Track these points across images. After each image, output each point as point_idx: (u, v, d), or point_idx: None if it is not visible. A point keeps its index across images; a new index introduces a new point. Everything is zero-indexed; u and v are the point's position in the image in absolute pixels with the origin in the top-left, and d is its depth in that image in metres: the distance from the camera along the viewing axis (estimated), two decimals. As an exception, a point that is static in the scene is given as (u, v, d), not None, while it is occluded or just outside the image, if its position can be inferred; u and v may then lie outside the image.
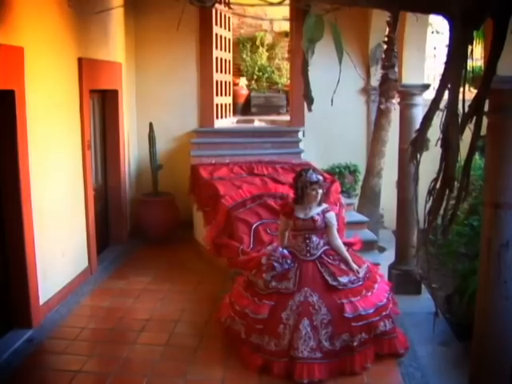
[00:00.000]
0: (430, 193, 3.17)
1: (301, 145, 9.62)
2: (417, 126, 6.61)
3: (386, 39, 8.73)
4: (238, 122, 11.78)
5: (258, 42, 14.10)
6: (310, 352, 5.00)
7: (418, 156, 3.20)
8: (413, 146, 3.19)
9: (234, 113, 12.25)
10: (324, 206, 5.64)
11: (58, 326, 6.15)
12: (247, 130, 10.60)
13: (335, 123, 9.95)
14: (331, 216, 5.59)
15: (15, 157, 5.75)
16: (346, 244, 5.93)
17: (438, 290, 7.32)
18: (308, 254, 5.46)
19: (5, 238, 5.88)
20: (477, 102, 2.97)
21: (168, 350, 5.56)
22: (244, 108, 13.51)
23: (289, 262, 5.41)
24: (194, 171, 8.73)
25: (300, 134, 9.84)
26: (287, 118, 11.05)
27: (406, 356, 5.51)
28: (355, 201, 9.00)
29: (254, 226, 6.89)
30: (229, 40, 11.38)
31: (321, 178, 5.58)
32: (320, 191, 5.52)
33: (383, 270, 7.23)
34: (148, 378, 5.06)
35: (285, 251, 5.48)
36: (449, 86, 2.93)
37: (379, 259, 7.19)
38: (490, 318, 3.87)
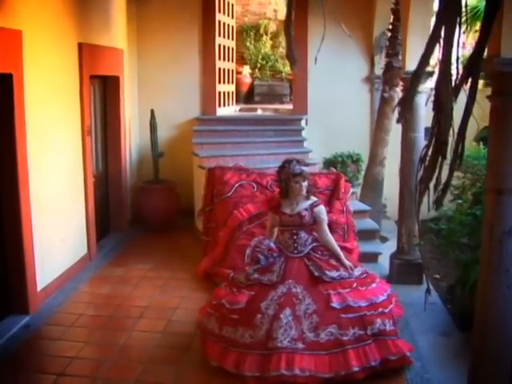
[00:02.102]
0: (421, 160, 3.03)
1: (303, 133, 9.54)
2: (420, 113, 6.62)
3: (390, 27, 8.65)
4: (240, 110, 11.70)
5: (261, 30, 13.98)
6: (291, 342, 4.59)
7: (407, 117, 3.07)
8: (401, 106, 3.08)
9: (237, 101, 12.17)
10: (312, 199, 5.32)
11: (55, 312, 6.11)
12: (250, 117, 10.52)
13: (338, 112, 9.88)
14: (320, 210, 5.26)
15: (13, 141, 5.70)
16: (341, 247, 5.64)
17: (440, 281, 7.26)
18: (295, 251, 5.16)
19: (2, 223, 5.84)
20: (472, 63, 2.82)
21: (165, 337, 5.52)
22: (247, 96, 13.43)
23: (275, 255, 5.12)
24: (214, 180, 7.66)
25: (303, 123, 9.76)
26: (290, 106, 10.96)
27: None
28: (358, 190, 8.92)
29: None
30: (232, 27, 11.30)
31: (305, 169, 5.25)
32: (304, 184, 5.17)
33: (385, 260, 7.20)
34: (144, 365, 5.02)
35: (271, 244, 5.20)
36: (441, 42, 2.77)
37: (381, 249, 7.13)
38: (491, 306, 3.79)
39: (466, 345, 5.28)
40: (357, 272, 5.18)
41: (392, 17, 8.53)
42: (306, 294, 4.86)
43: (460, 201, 7.10)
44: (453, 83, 2.79)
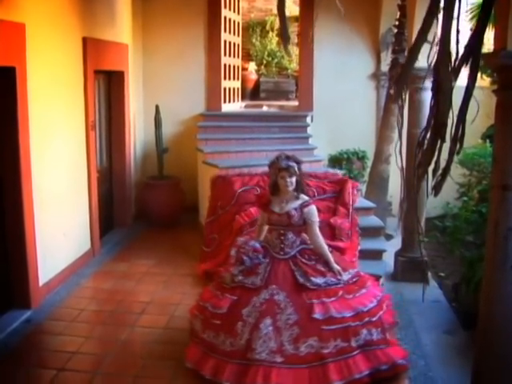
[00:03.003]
0: (419, 144, 2.94)
1: (309, 130, 9.49)
2: (426, 110, 6.56)
3: (396, 23, 8.59)
4: (246, 106, 11.65)
5: (267, 27, 13.96)
6: (269, 354, 4.37)
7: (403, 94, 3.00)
8: (397, 84, 3.02)
9: (243, 97, 12.14)
10: (303, 199, 5.00)
11: (57, 307, 6.09)
12: (255, 114, 10.47)
13: (344, 109, 9.85)
14: (310, 211, 4.96)
15: (15, 135, 5.68)
16: (333, 247, 5.53)
17: (444, 279, 7.22)
18: (282, 252, 4.90)
19: (4, 217, 5.82)
20: (473, 42, 2.73)
21: (167, 332, 5.49)
22: (253, 93, 13.41)
23: (260, 256, 4.87)
24: (218, 191, 7.54)
25: (308, 119, 9.71)
26: (296, 103, 10.92)
27: (410, 344, 5.42)
28: (363, 187, 8.87)
29: None
30: (238, 23, 11.25)
31: (292, 164, 4.89)
32: (290, 180, 4.86)
33: (389, 257, 7.15)
34: (145, 361, 5.00)
35: (257, 245, 4.94)
36: (440, 18, 2.67)
37: (386, 246, 7.08)
38: (496, 304, 3.74)
39: (470, 343, 5.24)
40: (346, 276, 4.90)
41: (398, 13, 8.47)
42: (289, 302, 4.62)
43: (466, 198, 7.05)
44: (452, 63, 2.71)
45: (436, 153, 2.86)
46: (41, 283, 6.16)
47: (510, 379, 3.81)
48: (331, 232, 6.46)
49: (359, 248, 6.61)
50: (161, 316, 5.87)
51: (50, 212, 6.39)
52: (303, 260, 4.89)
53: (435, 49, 2.90)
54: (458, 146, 2.81)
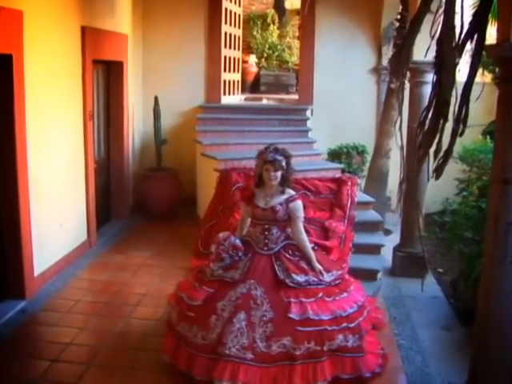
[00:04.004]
0: (420, 124, 2.82)
1: (308, 123, 9.43)
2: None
3: (398, 17, 8.52)
4: (246, 99, 11.61)
5: (269, 20, 13.91)
6: (240, 350, 4.27)
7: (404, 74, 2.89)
8: (395, 60, 2.92)
9: (243, 90, 12.09)
10: (289, 193, 4.82)
11: (52, 297, 6.06)
12: (254, 106, 10.42)
13: (344, 103, 9.80)
14: (296, 206, 4.78)
15: (12, 124, 5.63)
16: (319, 246, 5.38)
17: (443, 275, 7.17)
18: (265, 248, 4.77)
19: (-1, 207, 5.77)
20: (478, 17, 2.62)
21: (162, 324, 5.39)
22: (253, 86, 13.36)
23: (240, 254, 4.74)
24: (221, 195, 6.89)
25: (308, 113, 9.65)
26: (296, 97, 10.87)
27: (407, 339, 5.39)
28: (362, 182, 8.81)
29: None
30: (239, 16, 11.20)
31: (279, 158, 4.69)
32: (275, 174, 4.68)
33: (388, 252, 7.10)
34: (139, 353, 4.98)
35: (237, 241, 4.80)
36: None
37: (384, 241, 7.03)
38: (494, 299, 3.69)
39: (468, 339, 5.20)
40: (328, 277, 4.76)
41: (400, 7, 8.40)
42: (266, 298, 4.49)
43: (465, 193, 7.01)
44: (456, 39, 2.60)
45: (438, 133, 2.75)
46: (36, 274, 6.12)
47: (508, 375, 3.77)
48: (324, 234, 6.20)
49: (351, 253, 6.03)
50: (156, 308, 5.83)
51: (46, 202, 6.34)
52: (287, 255, 4.76)
53: (439, 20, 2.76)
54: (461, 126, 2.70)
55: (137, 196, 9.36)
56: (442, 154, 2.88)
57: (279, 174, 4.72)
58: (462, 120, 2.68)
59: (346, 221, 6.27)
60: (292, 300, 4.50)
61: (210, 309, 4.51)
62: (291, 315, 4.41)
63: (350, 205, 6.45)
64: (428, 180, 3.18)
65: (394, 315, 5.92)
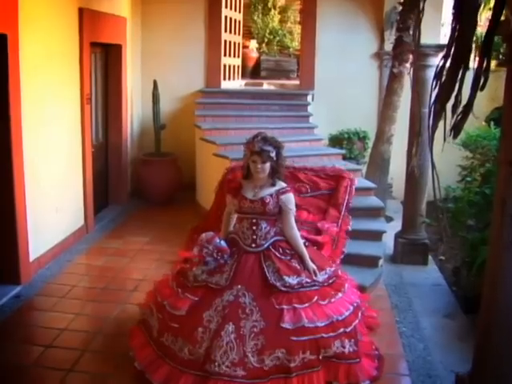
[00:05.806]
0: (437, 76, 2.57)
1: (309, 108, 9.31)
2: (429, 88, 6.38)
3: (401, 1, 8.36)
4: (246, 84, 11.46)
5: (270, 4, 13.78)
6: (230, 367, 3.92)
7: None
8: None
9: (243, 76, 11.96)
10: (280, 185, 4.51)
11: (47, 283, 5.98)
12: (254, 91, 10.24)
13: (346, 88, 9.64)
14: (287, 198, 4.47)
15: (6, 106, 5.52)
16: (310, 241, 5.00)
17: (445, 263, 7.08)
18: (253, 244, 4.41)
19: (-6, 190, 5.66)
20: None
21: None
22: (253, 71, 13.25)
23: (225, 256, 4.40)
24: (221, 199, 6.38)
25: (309, 98, 9.53)
26: (297, 82, 10.74)
27: (409, 327, 5.31)
28: (363, 168, 8.70)
29: None
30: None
31: (268, 148, 4.35)
32: (262, 166, 4.36)
33: (389, 239, 7.00)
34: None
35: (222, 243, 4.45)
36: None
37: (385, 228, 6.92)
38: (500, 285, 3.56)
39: (470, 327, 5.18)
40: (321, 277, 4.45)
41: (404, -10, 8.25)
42: (255, 306, 4.15)
43: (469, 179, 6.90)
44: None
45: (457, 85, 2.54)
46: (31, 258, 6.03)
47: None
48: (317, 234, 5.94)
49: (342, 256, 5.74)
50: (153, 294, 5.73)
51: (42, 187, 6.25)
52: (277, 254, 4.42)
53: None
54: (482, 78, 2.50)
55: (135, 181, 9.27)
56: (460, 109, 2.65)
57: (267, 165, 4.40)
58: (483, 72, 2.48)
59: (340, 221, 5.92)
60: (284, 307, 4.18)
61: (196, 320, 4.17)
62: (284, 325, 4.09)
63: (347, 203, 6.12)
64: (444, 140, 2.92)
65: (396, 302, 5.83)
